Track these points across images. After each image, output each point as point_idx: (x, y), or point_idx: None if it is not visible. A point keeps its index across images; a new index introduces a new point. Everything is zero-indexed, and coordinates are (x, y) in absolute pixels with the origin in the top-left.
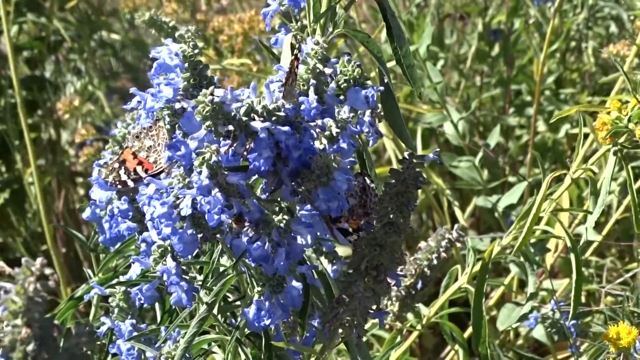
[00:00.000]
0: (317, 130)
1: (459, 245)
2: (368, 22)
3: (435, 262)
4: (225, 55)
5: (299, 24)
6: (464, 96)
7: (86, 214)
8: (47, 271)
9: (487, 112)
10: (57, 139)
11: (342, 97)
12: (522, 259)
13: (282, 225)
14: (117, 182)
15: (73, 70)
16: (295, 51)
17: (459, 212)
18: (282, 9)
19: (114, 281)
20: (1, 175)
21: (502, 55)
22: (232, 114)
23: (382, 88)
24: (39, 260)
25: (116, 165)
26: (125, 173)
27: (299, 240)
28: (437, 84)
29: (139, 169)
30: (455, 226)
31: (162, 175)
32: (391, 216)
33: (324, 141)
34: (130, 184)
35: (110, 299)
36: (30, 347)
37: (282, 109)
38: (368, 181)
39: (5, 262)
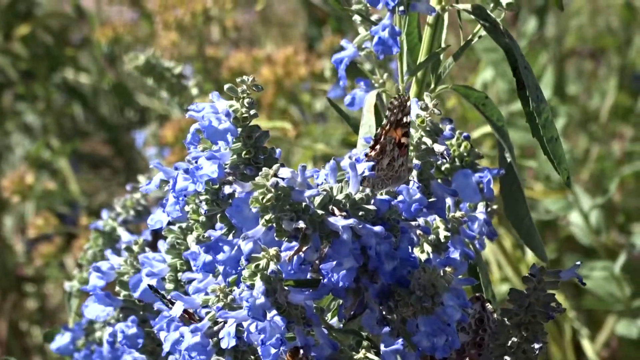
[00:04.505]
0: (419, 232)
1: None
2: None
3: None
4: None
5: (384, 76)
6: (596, 171)
7: (56, 344)
8: None
9: (630, 196)
10: None
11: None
12: None
13: None
14: None
15: (22, 126)
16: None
17: (588, 344)
18: (360, 55)
19: None
20: None
21: None
22: (304, 204)
23: (502, 171)
24: None
25: None
26: None
27: None
28: None
29: None
30: None
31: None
32: (509, 358)
33: (428, 248)
34: None
35: None
36: None
37: (373, 201)
38: (489, 309)
39: None
